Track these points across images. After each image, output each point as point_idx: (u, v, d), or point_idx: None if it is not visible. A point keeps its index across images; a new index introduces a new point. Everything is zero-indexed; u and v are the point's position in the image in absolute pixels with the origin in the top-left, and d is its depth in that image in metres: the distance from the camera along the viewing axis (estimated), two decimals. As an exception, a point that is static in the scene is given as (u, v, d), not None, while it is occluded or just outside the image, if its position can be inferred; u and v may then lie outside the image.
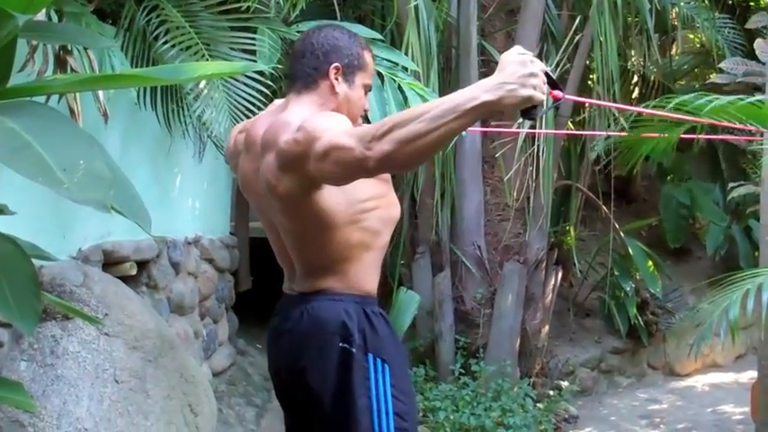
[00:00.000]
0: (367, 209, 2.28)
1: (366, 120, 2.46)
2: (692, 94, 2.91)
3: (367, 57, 2.38)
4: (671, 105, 2.96)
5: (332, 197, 2.19)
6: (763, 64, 3.99)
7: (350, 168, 1.99)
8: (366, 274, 2.33)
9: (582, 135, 5.39)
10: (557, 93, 1.87)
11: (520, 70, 1.83)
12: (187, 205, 4.98)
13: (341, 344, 2.26)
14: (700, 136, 3.80)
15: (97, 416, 3.28)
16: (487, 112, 1.87)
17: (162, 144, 4.22)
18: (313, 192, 2.16)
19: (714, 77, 4.68)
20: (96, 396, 3.32)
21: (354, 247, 2.27)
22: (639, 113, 3.57)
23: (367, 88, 2.39)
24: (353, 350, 2.26)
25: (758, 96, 4.02)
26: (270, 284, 6.48)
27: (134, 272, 4.23)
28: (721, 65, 4.54)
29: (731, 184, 4.44)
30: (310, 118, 2.12)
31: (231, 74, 3.38)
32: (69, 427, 3.09)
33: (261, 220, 2.41)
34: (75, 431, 3.11)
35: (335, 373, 2.27)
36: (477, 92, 1.84)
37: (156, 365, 3.73)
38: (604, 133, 4.32)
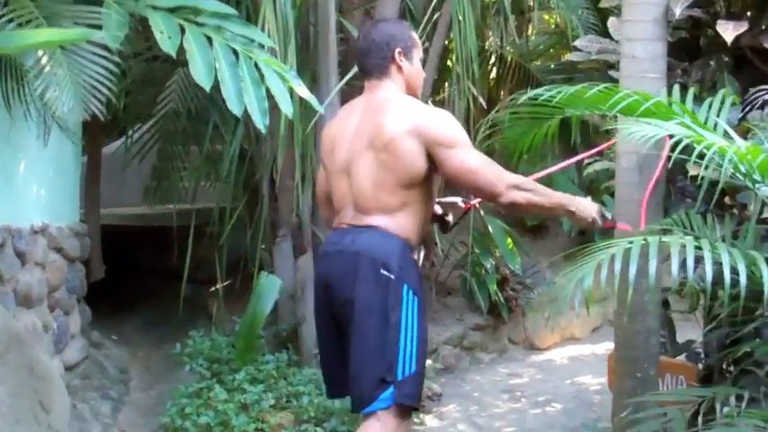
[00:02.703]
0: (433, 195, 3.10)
1: None
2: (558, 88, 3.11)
3: (414, 35, 3.15)
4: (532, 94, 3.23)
5: (433, 180, 3.01)
6: (617, 42, 4.06)
7: (483, 193, 3.02)
8: (415, 225, 2.98)
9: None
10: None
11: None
12: (32, 192, 4.69)
13: (382, 270, 2.86)
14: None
15: (-65, 418, 3.07)
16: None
17: (1, 127, 3.95)
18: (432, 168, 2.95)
19: (569, 56, 4.75)
20: (-66, 397, 3.10)
21: (415, 210, 2.96)
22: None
23: (421, 61, 3.18)
24: (392, 277, 2.85)
25: (611, 73, 4.14)
26: (123, 273, 6.32)
27: (-25, 263, 3.97)
28: (575, 43, 4.60)
29: (586, 161, 4.52)
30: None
31: (67, 41, 3.20)
32: None
33: (330, 167, 3.09)
34: None
35: (373, 290, 2.85)
36: (572, 204, 3.18)
37: (2, 362, 3.54)
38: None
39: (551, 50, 7.95)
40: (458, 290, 6.74)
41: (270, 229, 5.56)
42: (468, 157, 2.94)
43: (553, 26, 8.09)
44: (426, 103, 5.67)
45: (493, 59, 7.50)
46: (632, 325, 3.96)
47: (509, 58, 7.38)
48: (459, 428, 5.13)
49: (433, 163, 2.97)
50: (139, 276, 6.65)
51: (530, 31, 7.98)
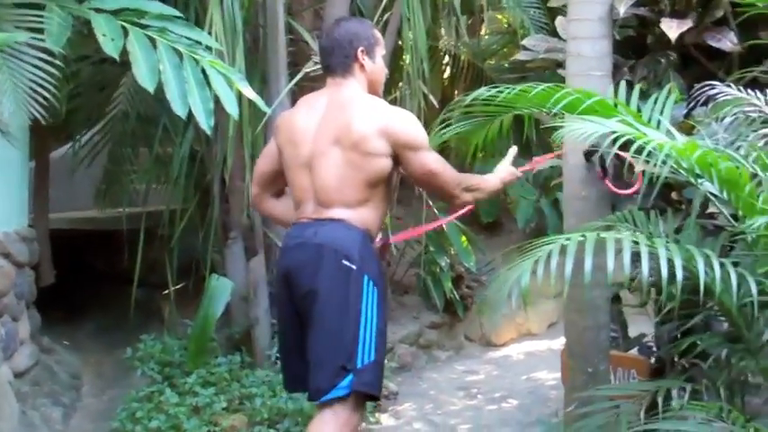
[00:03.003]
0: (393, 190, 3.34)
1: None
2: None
3: (377, 34, 3.26)
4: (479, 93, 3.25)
5: (393, 177, 3.18)
6: (565, 41, 4.07)
7: (441, 193, 3.28)
8: (376, 219, 3.11)
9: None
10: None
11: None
12: (-24, 197, 4.62)
13: (343, 261, 2.95)
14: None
15: None
16: None
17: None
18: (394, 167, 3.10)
19: (518, 55, 4.77)
20: None
21: (376, 205, 3.09)
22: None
23: (384, 58, 3.27)
24: (354, 267, 2.95)
25: (560, 71, 4.15)
26: (75, 278, 6.24)
27: None
28: (524, 42, 4.62)
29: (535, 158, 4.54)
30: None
31: None
32: None
33: (290, 161, 3.15)
34: None
35: (336, 280, 2.95)
36: (502, 182, 3.48)
37: (-56, 370, 3.47)
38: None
39: (504, 50, 7.96)
40: (414, 288, 6.75)
41: (221, 231, 5.53)
42: (430, 160, 3.12)
43: (506, 25, 8.11)
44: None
45: (447, 59, 7.50)
46: (582, 321, 4.00)
47: (462, 58, 7.39)
48: (414, 427, 5.13)
49: (396, 161, 3.10)
50: (92, 281, 6.57)
51: (483, 31, 8.00)
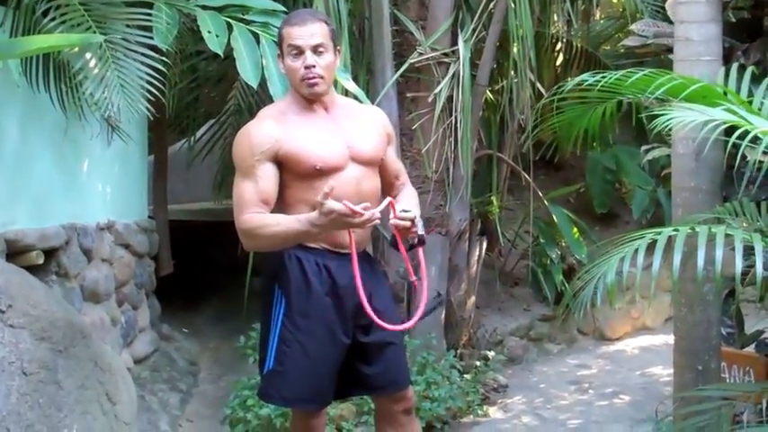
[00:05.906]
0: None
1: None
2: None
3: (282, 30, 2.95)
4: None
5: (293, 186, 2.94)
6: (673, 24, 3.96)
7: None
8: None
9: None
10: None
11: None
12: (97, 190, 4.82)
13: (269, 273, 3.03)
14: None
15: (5, 410, 3.17)
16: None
17: (66, 129, 4.06)
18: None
19: (626, 41, 4.66)
20: (3, 390, 3.21)
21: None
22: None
23: (291, 50, 2.90)
24: (266, 278, 3.04)
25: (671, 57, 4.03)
26: (194, 268, 6.43)
27: (41, 261, 4.08)
28: (632, 27, 4.51)
29: (643, 147, 4.42)
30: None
31: (68, 46, 3.30)
32: (-29, 425, 2.99)
33: None
34: (-22, 428, 3.02)
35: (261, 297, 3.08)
36: (308, 228, 2.70)
37: (66, 355, 3.63)
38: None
39: (618, 35, 7.77)
40: (524, 280, 6.66)
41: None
42: (234, 188, 2.94)
43: (621, 10, 7.92)
44: (483, 92, 5.62)
45: (559, 46, 7.36)
46: (691, 316, 3.90)
47: (575, 44, 7.24)
48: (523, 420, 5.08)
49: (282, 175, 2.92)
50: (211, 270, 6.77)
51: (597, 16, 7.83)
